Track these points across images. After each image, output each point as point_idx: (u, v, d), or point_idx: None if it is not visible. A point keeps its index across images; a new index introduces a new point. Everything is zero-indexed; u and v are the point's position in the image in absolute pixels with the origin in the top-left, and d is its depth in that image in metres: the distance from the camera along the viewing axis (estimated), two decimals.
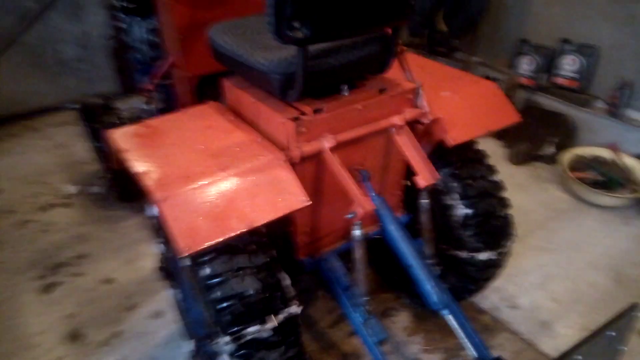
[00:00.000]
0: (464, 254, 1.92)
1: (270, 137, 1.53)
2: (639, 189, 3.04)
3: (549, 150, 3.51)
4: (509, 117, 1.83)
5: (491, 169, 1.93)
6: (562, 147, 3.47)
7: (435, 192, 1.89)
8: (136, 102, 2.83)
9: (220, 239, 1.25)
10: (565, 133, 3.50)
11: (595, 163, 3.25)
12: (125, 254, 2.71)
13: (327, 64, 1.43)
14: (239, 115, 1.67)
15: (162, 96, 2.70)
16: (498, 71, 3.72)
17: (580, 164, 3.28)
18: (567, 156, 3.30)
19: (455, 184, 1.86)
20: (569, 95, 3.52)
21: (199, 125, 1.62)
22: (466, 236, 1.88)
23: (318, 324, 2.27)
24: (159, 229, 1.67)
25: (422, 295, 1.64)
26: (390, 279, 2.43)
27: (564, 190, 3.24)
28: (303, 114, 1.46)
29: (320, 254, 1.76)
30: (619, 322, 1.54)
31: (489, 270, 1.98)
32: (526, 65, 3.76)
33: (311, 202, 1.37)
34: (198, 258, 1.37)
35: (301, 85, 1.38)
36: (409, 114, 1.66)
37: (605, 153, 3.28)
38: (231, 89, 1.70)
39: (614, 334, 1.52)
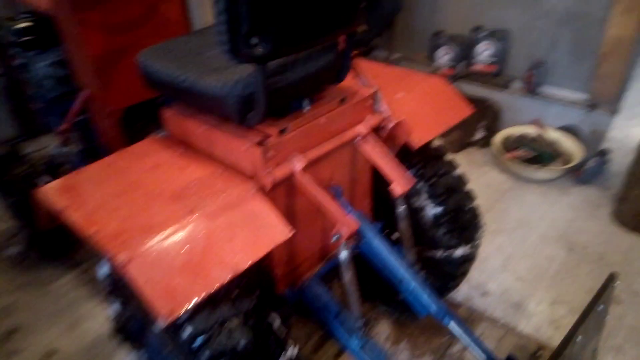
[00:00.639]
0: (440, 253, 1.88)
1: (232, 166, 1.37)
2: (569, 160, 3.23)
3: (480, 134, 3.64)
4: (464, 110, 1.82)
5: (452, 164, 1.92)
6: (491, 130, 3.61)
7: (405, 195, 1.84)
8: (50, 145, 2.49)
9: (205, 295, 1.08)
10: (492, 116, 3.65)
11: (524, 140, 3.41)
12: (63, 319, 2.37)
13: (286, 80, 1.31)
14: (188, 147, 1.49)
15: (80, 135, 2.40)
16: (418, 65, 3.79)
17: (511, 144, 3.43)
18: (498, 138, 3.44)
19: (421, 185, 1.82)
20: (488, 80, 3.68)
21: (144, 166, 1.42)
22: (440, 235, 1.84)
23: (301, 352, 2.13)
24: (114, 289, 1.44)
25: (417, 307, 1.57)
26: (363, 288, 2.34)
27: (501, 170, 3.37)
28: (268, 136, 1.33)
29: (301, 283, 1.63)
30: (604, 294, 1.58)
31: (466, 264, 1.96)
32: (444, 56, 3.87)
33: (294, 232, 1.24)
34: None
35: (263, 106, 1.24)
36: (372, 120, 1.58)
37: (531, 130, 3.46)
38: (175, 118, 1.52)
39: (602, 306, 1.55)
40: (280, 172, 1.34)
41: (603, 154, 3.07)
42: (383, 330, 2.25)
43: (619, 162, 3.01)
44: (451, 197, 1.84)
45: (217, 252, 1.14)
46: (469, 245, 1.89)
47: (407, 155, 1.78)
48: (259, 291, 1.33)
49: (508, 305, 2.35)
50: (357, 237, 1.64)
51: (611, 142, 3.06)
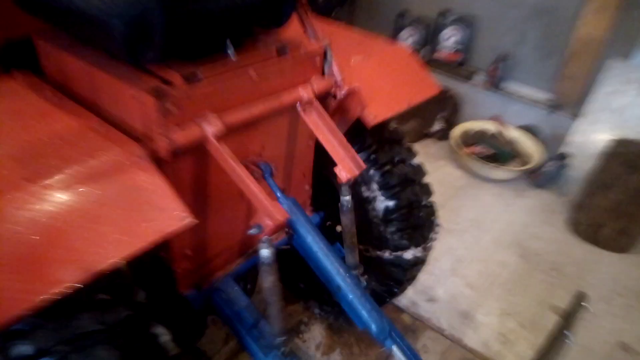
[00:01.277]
0: (387, 254, 1.59)
1: (116, 121, 1.00)
2: (527, 161, 3.05)
3: (439, 126, 3.41)
4: (430, 87, 1.52)
5: (411, 151, 1.62)
6: (450, 122, 3.38)
7: (353, 183, 1.52)
8: None
9: (36, 306, 0.71)
10: (452, 108, 3.42)
11: (483, 137, 3.20)
12: None
13: (201, 5, 0.94)
14: (65, 91, 1.09)
15: None
16: None
17: (469, 138, 3.22)
18: (457, 131, 3.21)
19: (372, 172, 1.51)
20: (452, 69, 3.44)
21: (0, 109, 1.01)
22: (389, 233, 1.55)
23: None
24: None
25: (356, 320, 1.27)
26: (295, 287, 2.03)
27: (457, 166, 3.15)
28: (168, 83, 0.96)
29: (210, 283, 1.28)
30: (571, 319, 1.34)
31: (415, 269, 1.69)
32: (408, 38, 3.60)
33: (196, 220, 0.89)
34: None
35: (160, 36, 0.87)
36: (319, 83, 1.24)
37: (491, 126, 3.26)
38: (50, 51, 1.11)
39: (569, 333, 1.31)
40: (183, 136, 0.97)
41: (562, 157, 2.91)
42: (314, 335, 1.95)
43: (578, 168, 2.85)
44: (406, 190, 1.55)
45: (68, 240, 0.77)
46: (421, 247, 1.61)
47: (358, 135, 1.46)
48: (143, 293, 0.97)
49: (455, 313, 2.11)
50: (287, 230, 1.31)
51: (571, 146, 2.90)
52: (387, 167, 1.53)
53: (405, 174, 1.55)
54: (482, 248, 2.50)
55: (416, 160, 1.62)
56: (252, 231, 1.03)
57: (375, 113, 1.32)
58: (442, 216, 2.63)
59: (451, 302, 2.16)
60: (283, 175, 1.38)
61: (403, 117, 3.41)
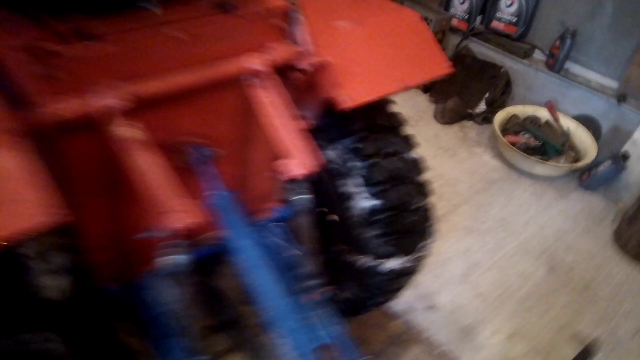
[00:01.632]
0: (367, 261, 1.35)
1: None
2: (578, 158, 2.64)
3: (482, 107, 3.03)
4: (437, 66, 1.23)
5: (409, 142, 1.35)
6: (495, 104, 2.99)
7: (330, 175, 1.29)
8: None
9: None
10: (502, 88, 3.01)
11: (530, 125, 2.80)
12: None
13: None
14: None
15: None
16: (427, 9, 3.10)
17: (514, 126, 2.82)
18: (500, 116, 2.82)
19: (357, 164, 1.26)
20: (505, 43, 3.01)
21: None
22: (371, 237, 1.32)
23: None
24: None
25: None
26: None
27: (494, 155, 2.79)
28: (51, 38, 0.75)
29: (134, 277, 1.11)
30: None
31: (401, 279, 1.44)
32: (459, 4, 3.17)
33: (68, 216, 0.70)
34: None
35: None
36: (278, 51, 1.00)
37: (542, 113, 2.84)
38: None
39: None
40: (71, 108, 0.78)
41: (621, 158, 2.47)
42: None
43: (637, 173, 2.42)
44: (394, 189, 1.29)
45: None
46: (408, 258, 1.36)
47: (344, 118, 1.21)
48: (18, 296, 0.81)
49: (456, 327, 1.85)
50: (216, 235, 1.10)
51: (635, 146, 2.45)
52: (374, 160, 1.27)
53: (395, 169, 1.29)
54: (505, 254, 2.19)
55: (413, 154, 1.34)
56: (142, 235, 0.84)
57: (351, 95, 1.05)
58: (465, 212, 2.36)
59: (454, 313, 1.91)
60: (235, 162, 1.16)
61: (440, 92, 3.06)
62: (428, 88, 3.16)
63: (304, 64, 1.03)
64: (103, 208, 0.98)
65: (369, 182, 1.28)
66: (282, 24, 0.99)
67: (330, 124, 1.27)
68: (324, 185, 1.35)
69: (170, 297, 0.89)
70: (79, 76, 0.78)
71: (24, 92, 0.76)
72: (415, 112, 3.01)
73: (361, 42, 1.12)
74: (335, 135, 1.28)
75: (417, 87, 3.09)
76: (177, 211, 0.80)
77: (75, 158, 0.87)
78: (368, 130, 1.28)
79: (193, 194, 1.06)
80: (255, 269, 1.00)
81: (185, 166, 1.02)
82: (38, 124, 0.76)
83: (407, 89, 1.16)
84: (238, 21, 0.92)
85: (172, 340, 1.03)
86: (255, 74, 0.97)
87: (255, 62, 0.96)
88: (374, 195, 1.28)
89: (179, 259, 0.86)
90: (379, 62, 1.12)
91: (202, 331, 1.07)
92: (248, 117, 1.10)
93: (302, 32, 1.02)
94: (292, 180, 1.00)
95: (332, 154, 1.30)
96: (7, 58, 0.74)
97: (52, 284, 0.98)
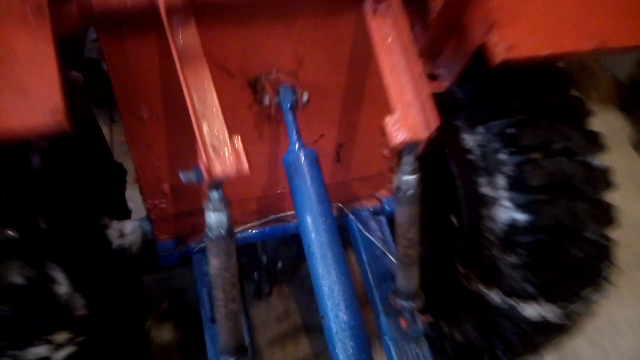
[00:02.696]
0: (496, 296, 0.97)
1: None
2: None
3: None
4: None
5: (594, 139, 0.92)
6: None
7: (462, 167, 0.95)
8: None
9: None
10: None
11: None
12: None
13: None
14: None
15: None
16: None
17: None
18: None
19: (504, 158, 0.89)
20: None
21: None
22: (507, 264, 0.93)
23: None
24: None
25: None
26: None
27: None
28: None
29: (196, 239, 0.93)
30: None
31: (542, 335, 1.01)
32: None
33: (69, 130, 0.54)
34: None
35: None
36: None
37: None
38: None
39: None
40: None
41: None
42: None
43: None
44: (554, 203, 0.89)
45: None
46: (557, 308, 0.93)
47: (495, 89, 0.87)
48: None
49: None
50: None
51: None
52: (534, 155, 0.89)
53: (560, 174, 0.88)
54: None
55: (597, 160, 0.91)
56: (184, 177, 0.63)
57: (512, 41, 0.70)
58: None
59: None
60: (328, 115, 0.88)
61: None
62: (626, 103, 2.45)
63: None
64: (163, 133, 0.81)
65: (516, 186, 0.90)
66: None
67: (474, 97, 0.92)
68: (447, 178, 1.01)
69: (212, 268, 0.67)
70: None
71: None
72: (604, 133, 2.36)
73: None
74: (479, 114, 0.93)
75: (611, 100, 2.43)
76: (222, 157, 0.59)
77: (138, 60, 0.72)
78: (529, 114, 0.89)
79: (264, 148, 0.83)
80: (317, 251, 0.72)
81: (263, 110, 0.80)
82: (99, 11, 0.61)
83: (605, 51, 0.76)
84: None
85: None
86: None
87: None
88: (520, 207, 0.89)
89: (217, 217, 0.64)
90: (565, 4, 0.74)
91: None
92: (358, 58, 0.82)
93: None
94: (400, 151, 0.70)
95: (470, 140, 0.95)
96: None
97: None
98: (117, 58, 0.72)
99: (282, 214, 0.97)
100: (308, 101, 0.79)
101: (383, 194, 1.05)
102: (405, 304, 0.83)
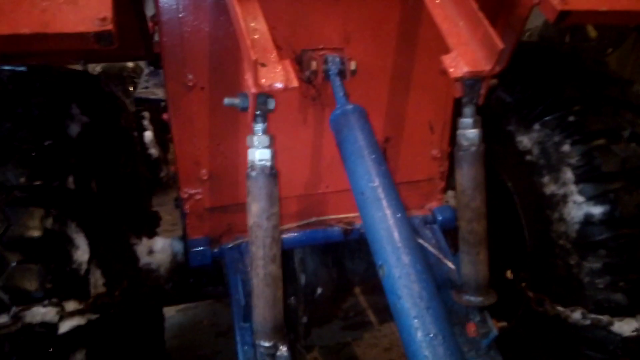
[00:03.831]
0: (579, 317, 0.82)
1: None
2: None
3: None
4: None
5: None
6: None
7: (518, 172, 0.89)
8: None
9: None
10: None
11: None
12: None
13: None
14: None
15: None
16: None
17: None
18: None
19: (568, 148, 0.82)
20: None
21: None
22: (588, 273, 0.81)
23: None
24: None
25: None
26: None
27: None
28: None
29: (231, 239, 0.84)
30: None
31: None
32: None
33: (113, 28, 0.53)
34: None
35: None
36: None
37: None
38: None
39: None
40: None
41: None
42: None
43: None
44: (637, 191, 0.78)
45: None
46: None
47: (547, 82, 0.84)
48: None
49: None
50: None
51: None
52: (601, 141, 0.81)
53: (637, 159, 0.79)
54: None
55: None
56: (228, 101, 0.59)
57: None
58: None
59: None
60: (374, 101, 0.84)
61: None
62: None
63: None
64: (206, 108, 0.79)
65: (586, 176, 0.81)
66: None
67: (525, 97, 0.89)
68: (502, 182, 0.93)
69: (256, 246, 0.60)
70: None
71: None
72: None
73: None
74: (533, 112, 0.88)
75: None
76: (270, 69, 0.56)
77: (190, 25, 0.74)
78: (589, 102, 0.84)
79: (307, 135, 0.80)
80: (383, 213, 0.62)
81: (308, 90, 0.78)
82: None
83: None
84: None
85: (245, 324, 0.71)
86: None
87: None
88: (594, 199, 0.80)
89: (261, 153, 0.58)
90: None
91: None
92: (406, 40, 0.82)
93: None
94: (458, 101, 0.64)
95: (526, 140, 0.89)
96: None
97: None
98: (170, 19, 0.73)
99: (325, 217, 0.88)
100: (355, 71, 0.76)
101: (433, 205, 0.96)
102: (473, 299, 0.69)
